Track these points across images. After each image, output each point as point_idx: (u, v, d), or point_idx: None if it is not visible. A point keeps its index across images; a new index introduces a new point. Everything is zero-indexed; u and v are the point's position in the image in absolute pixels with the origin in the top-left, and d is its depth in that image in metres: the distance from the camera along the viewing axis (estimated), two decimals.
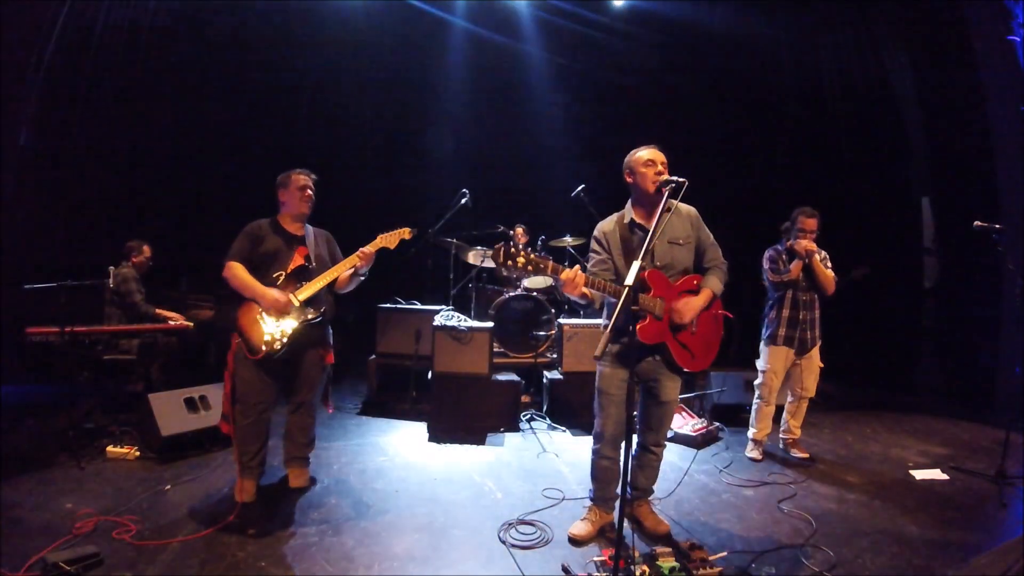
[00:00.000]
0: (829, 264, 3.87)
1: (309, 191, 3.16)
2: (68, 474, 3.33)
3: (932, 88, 5.55)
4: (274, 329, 2.95)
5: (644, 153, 2.64)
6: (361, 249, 3.06)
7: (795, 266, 3.75)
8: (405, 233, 3.16)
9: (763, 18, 6.46)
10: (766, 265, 3.92)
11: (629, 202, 2.75)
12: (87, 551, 2.40)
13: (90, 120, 5.21)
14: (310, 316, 3.03)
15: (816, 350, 3.88)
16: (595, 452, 2.81)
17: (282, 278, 3.02)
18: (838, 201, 6.50)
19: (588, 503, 2.91)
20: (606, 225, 2.73)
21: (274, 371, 3.06)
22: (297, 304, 2.99)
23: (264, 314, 2.96)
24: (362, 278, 3.20)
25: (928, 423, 4.90)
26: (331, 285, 3.15)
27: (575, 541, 2.72)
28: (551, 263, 2.37)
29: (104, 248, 5.22)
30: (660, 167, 2.58)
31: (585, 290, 2.44)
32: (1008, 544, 2.04)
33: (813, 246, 3.74)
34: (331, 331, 3.32)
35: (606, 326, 2.68)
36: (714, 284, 2.68)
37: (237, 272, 2.98)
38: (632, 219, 2.68)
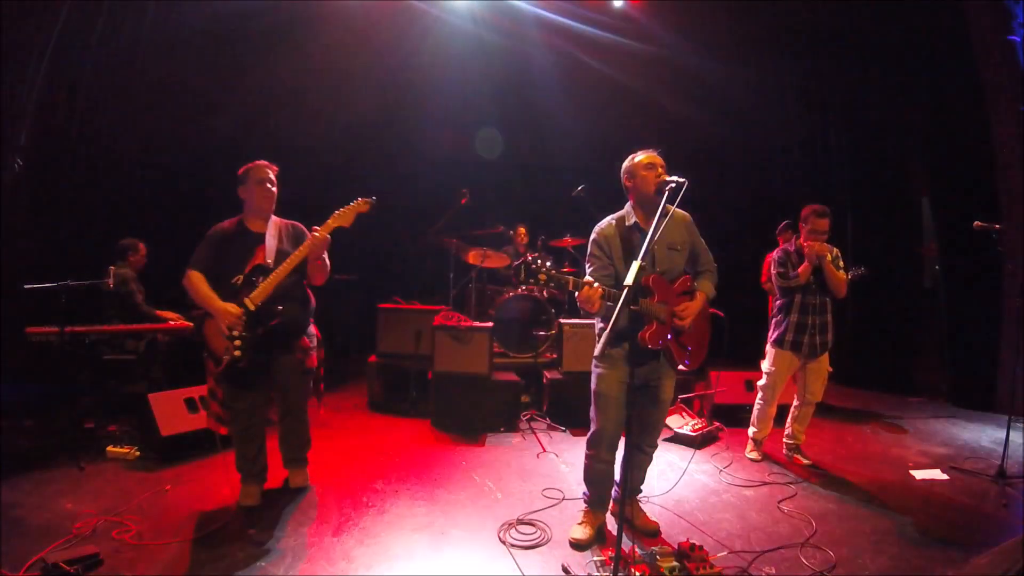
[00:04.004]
0: (841, 264, 3.74)
1: (269, 184, 2.97)
2: (68, 474, 3.33)
3: (932, 88, 5.55)
4: (231, 339, 2.81)
5: (644, 157, 2.66)
6: (312, 232, 2.88)
7: (803, 269, 3.65)
8: (362, 206, 2.94)
9: (763, 19, 6.46)
10: (774, 269, 3.84)
11: (629, 205, 2.75)
12: (87, 551, 2.41)
13: (90, 120, 5.21)
14: (267, 319, 2.84)
15: (826, 356, 3.78)
16: (591, 456, 2.79)
17: (240, 282, 2.88)
18: (838, 201, 6.51)
19: (583, 506, 2.91)
20: (606, 229, 2.71)
21: (252, 378, 2.96)
22: (252, 309, 2.83)
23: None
24: (324, 263, 2.98)
25: (928, 423, 4.90)
26: (301, 279, 2.99)
27: (576, 546, 2.71)
28: (571, 279, 2.36)
29: (104, 248, 5.21)
30: (660, 170, 2.60)
31: (599, 303, 2.40)
32: (1008, 544, 2.04)
33: (826, 248, 3.63)
34: (312, 330, 3.15)
35: (602, 328, 2.70)
36: (708, 288, 2.77)
37: (195, 283, 2.85)
38: (636, 222, 2.68)
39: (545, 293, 5.21)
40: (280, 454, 3.31)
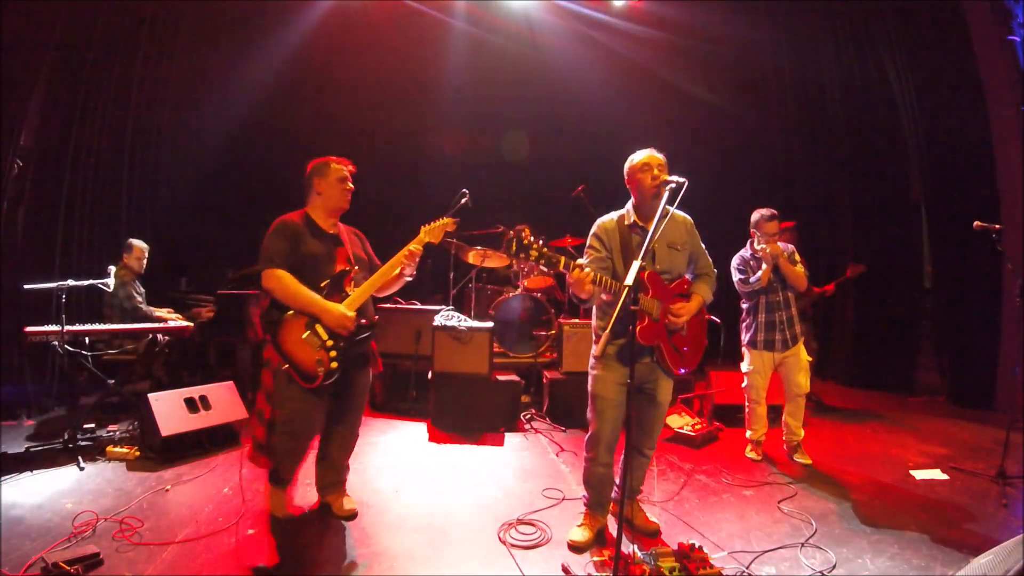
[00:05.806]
0: (797, 258, 3.88)
1: (351, 184, 2.79)
2: (68, 474, 3.34)
3: (932, 88, 5.54)
4: (325, 348, 2.56)
5: (640, 157, 2.66)
6: (408, 247, 2.73)
7: (763, 273, 3.77)
8: (449, 225, 2.84)
9: (763, 18, 6.46)
10: (736, 276, 3.95)
11: (630, 204, 2.75)
12: (87, 551, 2.41)
13: (90, 119, 5.21)
14: (362, 330, 2.68)
15: (800, 346, 3.89)
16: (590, 459, 2.78)
17: (327, 287, 2.63)
18: (838, 201, 6.50)
19: (583, 508, 2.90)
20: (607, 223, 2.72)
21: (326, 395, 2.72)
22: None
23: (311, 332, 2.56)
24: (409, 279, 2.85)
25: (928, 423, 4.89)
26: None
27: (575, 548, 2.70)
28: (563, 258, 2.37)
29: (104, 248, 5.22)
30: (656, 171, 2.59)
31: (589, 287, 2.41)
32: (1008, 544, 2.04)
33: (779, 249, 3.76)
34: None
35: (601, 328, 2.70)
36: (705, 291, 2.78)
37: (285, 282, 2.55)
38: (634, 221, 2.68)
39: (534, 267, 5.11)
40: (317, 479, 3.00)
